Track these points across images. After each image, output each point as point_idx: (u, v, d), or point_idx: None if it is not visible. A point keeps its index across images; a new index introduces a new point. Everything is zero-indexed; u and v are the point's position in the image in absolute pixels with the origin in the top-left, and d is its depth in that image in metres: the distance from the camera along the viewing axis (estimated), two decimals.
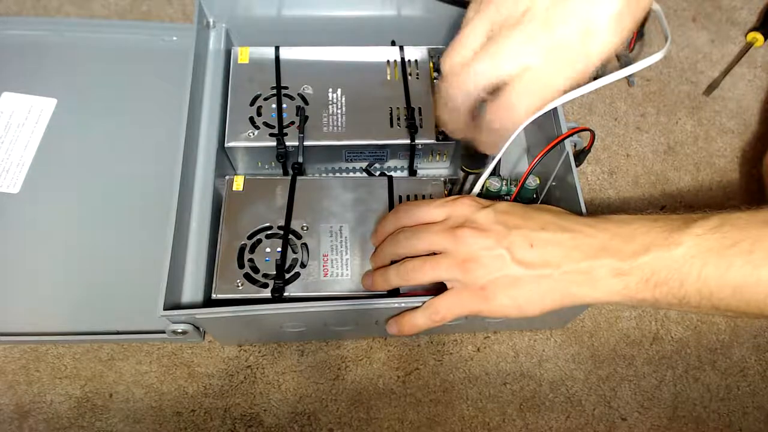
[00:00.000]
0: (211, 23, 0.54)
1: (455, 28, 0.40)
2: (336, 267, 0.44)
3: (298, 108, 0.50)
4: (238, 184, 0.47)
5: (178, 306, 0.43)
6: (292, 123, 0.49)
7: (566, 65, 0.35)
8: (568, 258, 0.36)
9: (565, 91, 0.36)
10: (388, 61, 0.53)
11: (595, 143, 0.49)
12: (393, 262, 0.42)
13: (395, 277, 0.41)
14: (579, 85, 0.36)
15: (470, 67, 0.34)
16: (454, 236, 0.39)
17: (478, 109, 0.37)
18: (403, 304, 0.41)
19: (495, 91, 0.36)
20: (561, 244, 0.37)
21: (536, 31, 0.34)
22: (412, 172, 0.52)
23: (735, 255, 0.32)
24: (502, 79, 0.35)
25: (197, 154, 0.49)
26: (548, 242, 0.37)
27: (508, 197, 0.49)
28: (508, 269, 0.37)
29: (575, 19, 0.33)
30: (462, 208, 0.40)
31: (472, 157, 0.50)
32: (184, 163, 0.45)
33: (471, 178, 0.52)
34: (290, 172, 0.49)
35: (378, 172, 0.52)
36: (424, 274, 0.39)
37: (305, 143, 0.48)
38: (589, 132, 0.46)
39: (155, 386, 0.46)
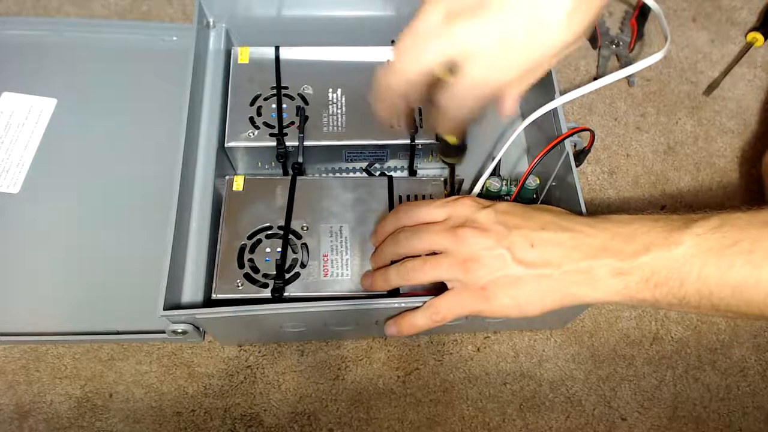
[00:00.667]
0: (211, 23, 0.54)
1: None
2: (336, 267, 0.44)
3: (298, 108, 0.50)
4: (238, 184, 0.47)
5: (178, 306, 0.43)
6: (292, 123, 0.49)
7: (517, 56, 0.34)
8: (569, 258, 0.36)
9: (518, 80, 0.36)
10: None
11: (595, 143, 0.49)
12: (393, 263, 0.42)
13: (395, 277, 0.41)
14: (534, 77, 0.36)
15: (425, 44, 0.35)
16: (454, 236, 0.39)
17: (433, 92, 0.37)
18: (403, 304, 0.41)
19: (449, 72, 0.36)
20: (561, 244, 0.37)
21: (489, 19, 0.33)
22: (412, 172, 0.52)
23: (735, 255, 0.32)
24: (454, 61, 0.35)
25: (197, 154, 0.49)
26: (549, 242, 0.37)
27: (508, 197, 0.49)
28: (508, 269, 0.37)
29: (526, 11, 0.33)
30: (462, 208, 0.40)
31: (448, 147, 0.46)
32: (184, 163, 0.45)
33: (468, 180, 0.52)
34: (290, 172, 0.49)
35: (378, 172, 0.52)
36: (425, 273, 0.39)
37: (305, 143, 0.48)
38: (589, 132, 0.46)
39: (155, 386, 0.46)
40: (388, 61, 0.36)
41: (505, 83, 0.35)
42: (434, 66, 0.35)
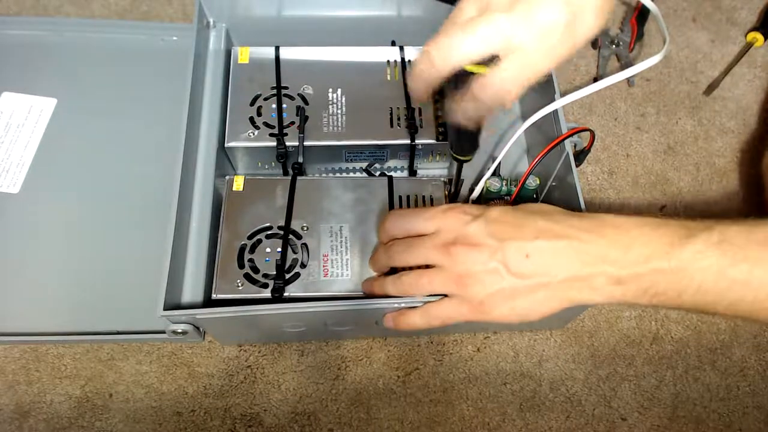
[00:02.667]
0: (211, 23, 0.54)
1: None
2: (336, 267, 0.44)
3: (298, 108, 0.50)
4: (238, 184, 0.47)
5: (178, 306, 0.43)
6: (292, 123, 0.49)
7: (554, 48, 0.35)
8: (566, 266, 0.36)
9: (550, 70, 0.37)
10: (388, 61, 0.53)
11: (595, 143, 0.49)
12: (392, 268, 0.42)
13: (393, 290, 0.41)
14: (562, 63, 0.37)
15: (459, 39, 0.35)
16: (447, 254, 0.38)
17: (461, 82, 0.37)
18: (403, 305, 0.41)
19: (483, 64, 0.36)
20: (557, 253, 0.36)
21: (530, 13, 0.34)
22: (412, 172, 0.52)
23: (734, 274, 0.33)
24: (490, 55, 0.35)
25: (197, 154, 0.49)
26: (544, 251, 0.36)
27: (508, 197, 0.49)
28: (504, 282, 0.36)
29: (564, 3, 0.34)
30: (452, 221, 0.39)
31: (462, 143, 0.45)
32: (184, 163, 0.45)
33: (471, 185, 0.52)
34: (290, 172, 0.49)
35: (378, 173, 0.52)
36: (421, 288, 0.39)
37: (305, 143, 0.48)
38: (589, 132, 0.46)
39: (155, 386, 0.46)
40: (424, 50, 0.36)
41: (539, 74, 0.35)
42: (470, 60, 0.35)
